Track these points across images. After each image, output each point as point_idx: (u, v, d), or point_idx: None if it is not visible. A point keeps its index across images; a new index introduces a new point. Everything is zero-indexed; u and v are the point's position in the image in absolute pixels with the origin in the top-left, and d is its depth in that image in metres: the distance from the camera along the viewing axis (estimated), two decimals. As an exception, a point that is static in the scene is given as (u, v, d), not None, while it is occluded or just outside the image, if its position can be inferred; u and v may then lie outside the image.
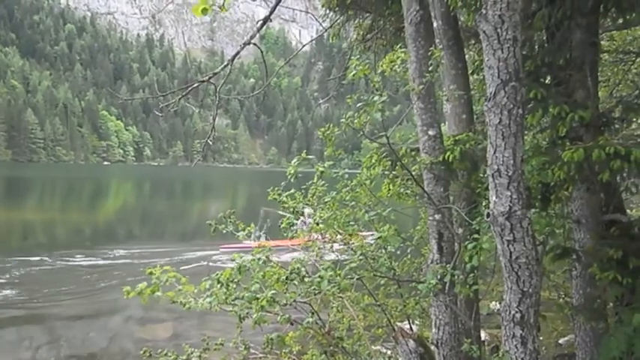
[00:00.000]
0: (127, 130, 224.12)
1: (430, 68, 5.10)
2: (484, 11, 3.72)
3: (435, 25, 5.95)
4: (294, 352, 6.59)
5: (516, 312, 4.14)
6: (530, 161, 4.94)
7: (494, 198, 3.95)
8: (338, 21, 8.87)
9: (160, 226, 40.18)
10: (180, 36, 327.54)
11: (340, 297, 5.99)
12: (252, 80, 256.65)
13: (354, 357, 5.88)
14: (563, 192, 5.68)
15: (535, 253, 4.07)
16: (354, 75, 4.79)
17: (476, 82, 7.05)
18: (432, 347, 5.50)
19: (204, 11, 4.40)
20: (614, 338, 4.93)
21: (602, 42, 12.66)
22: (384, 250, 5.95)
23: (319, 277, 5.03)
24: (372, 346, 7.16)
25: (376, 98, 4.56)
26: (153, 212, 49.52)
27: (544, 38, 6.23)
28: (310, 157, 5.83)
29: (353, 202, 6.06)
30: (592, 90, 5.73)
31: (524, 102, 5.38)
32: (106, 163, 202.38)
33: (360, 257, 5.40)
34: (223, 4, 4.47)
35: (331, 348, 5.93)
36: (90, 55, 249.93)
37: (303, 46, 12.13)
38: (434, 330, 5.45)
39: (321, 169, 5.80)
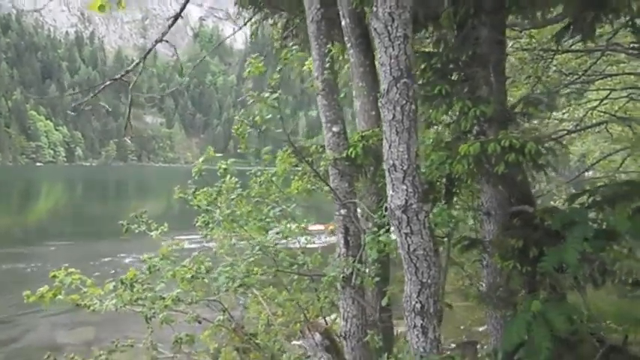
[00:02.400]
0: (57, 130, 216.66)
1: (327, 65, 5.18)
2: (375, 9, 3.79)
3: (342, 23, 6.02)
4: (212, 351, 6.55)
5: (416, 302, 4.25)
6: (431, 155, 5.05)
7: (391, 192, 4.04)
8: (253, 20, 8.86)
9: (93, 226, 39.06)
10: (112, 34, 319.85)
11: (254, 293, 6.01)
12: (186, 79, 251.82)
13: (266, 352, 5.90)
14: (473, 185, 5.85)
15: (433, 245, 4.18)
16: (248, 72, 4.82)
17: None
18: (342, 339, 5.58)
19: (102, 8, 4.35)
20: (515, 325, 5.09)
21: (521, 40, 13.11)
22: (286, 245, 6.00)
23: (218, 273, 5.03)
24: (291, 342, 7.20)
25: (267, 95, 4.61)
26: (84, 214, 48.18)
27: (454, 35, 6.37)
28: (219, 154, 5.83)
29: (258, 199, 6.07)
30: (496, 86, 5.89)
31: (431, 97, 5.56)
32: (38, 164, 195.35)
33: (259, 252, 5.41)
34: (120, 1, 4.43)
35: (243, 345, 5.93)
36: (16, 53, 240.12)
37: (219, 43, 12.06)
38: (342, 323, 5.53)
39: (224, 166, 5.81)
